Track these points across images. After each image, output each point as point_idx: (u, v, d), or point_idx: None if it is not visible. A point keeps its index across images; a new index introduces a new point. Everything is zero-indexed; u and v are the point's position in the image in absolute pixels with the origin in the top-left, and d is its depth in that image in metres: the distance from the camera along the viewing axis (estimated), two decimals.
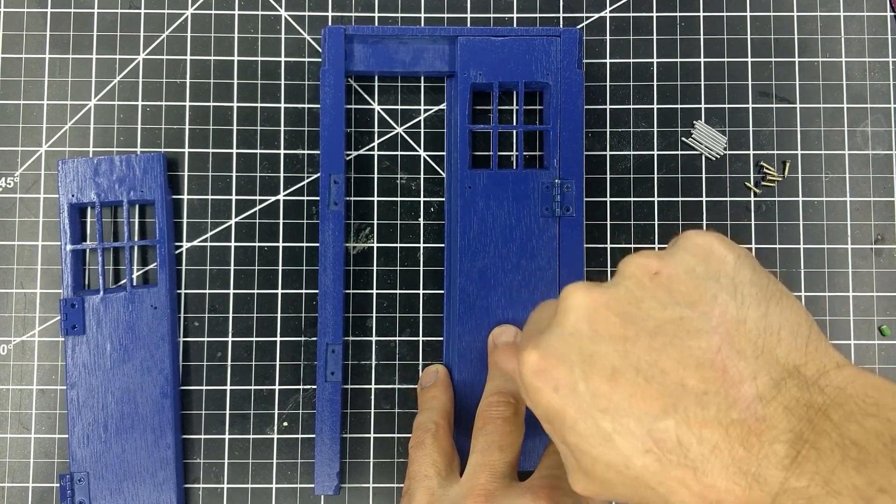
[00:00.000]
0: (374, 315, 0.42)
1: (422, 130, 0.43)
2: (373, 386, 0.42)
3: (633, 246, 0.42)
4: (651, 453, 0.22)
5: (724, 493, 0.21)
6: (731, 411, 0.21)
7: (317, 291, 0.41)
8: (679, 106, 0.43)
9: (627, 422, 0.22)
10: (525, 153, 0.43)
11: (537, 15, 0.44)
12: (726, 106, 0.43)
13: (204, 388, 0.42)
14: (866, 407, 0.20)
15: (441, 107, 0.43)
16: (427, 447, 0.35)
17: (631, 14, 0.44)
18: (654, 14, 0.43)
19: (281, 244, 0.42)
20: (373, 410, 0.42)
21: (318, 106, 0.42)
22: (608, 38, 0.43)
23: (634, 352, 0.22)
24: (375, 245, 0.43)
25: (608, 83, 0.43)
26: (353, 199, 0.43)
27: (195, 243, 0.42)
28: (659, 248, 0.42)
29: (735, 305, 0.22)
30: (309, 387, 0.42)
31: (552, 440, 0.27)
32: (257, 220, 0.42)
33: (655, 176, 0.43)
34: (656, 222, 0.43)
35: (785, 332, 0.22)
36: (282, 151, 0.43)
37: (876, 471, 0.19)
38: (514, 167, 0.42)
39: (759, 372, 0.21)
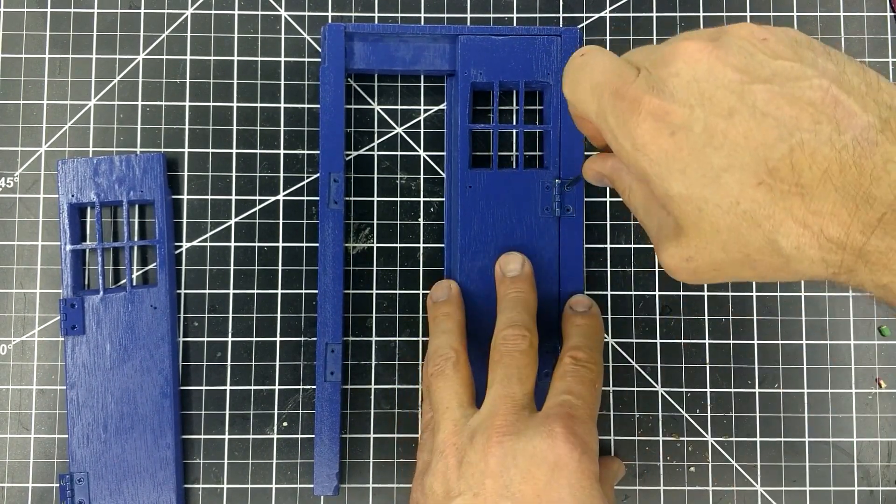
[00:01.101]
0: (373, 315, 0.42)
1: (422, 130, 0.43)
2: (373, 386, 0.42)
3: (632, 246, 0.42)
4: (763, 185, 0.22)
5: (830, 216, 0.21)
6: (845, 136, 0.21)
7: (316, 291, 0.41)
8: None
9: (742, 155, 0.23)
10: (525, 153, 0.43)
11: (537, 15, 0.44)
12: None
13: (204, 388, 0.42)
14: None
15: (441, 107, 0.43)
16: (448, 377, 0.35)
17: (631, 14, 0.44)
18: (654, 14, 0.43)
19: (281, 244, 0.42)
20: (373, 411, 0.42)
21: (318, 106, 0.42)
22: (608, 38, 0.43)
23: (751, 92, 0.23)
24: (375, 245, 0.43)
25: None
26: (352, 198, 0.43)
27: (195, 243, 0.42)
28: None
29: (833, 64, 0.23)
30: (309, 387, 0.42)
31: (641, 220, 0.29)
32: (257, 220, 0.42)
33: None
34: None
35: (884, 83, 0.23)
36: (282, 151, 0.43)
37: None
38: (515, 167, 0.42)
39: (868, 107, 0.22)
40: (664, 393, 0.42)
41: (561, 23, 0.43)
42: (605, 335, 0.42)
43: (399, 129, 0.43)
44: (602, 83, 0.26)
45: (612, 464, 0.40)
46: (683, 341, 0.42)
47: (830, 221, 0.22)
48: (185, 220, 0.42)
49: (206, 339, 0.42)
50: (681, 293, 0.42)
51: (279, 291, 0.42)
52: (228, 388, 0.42)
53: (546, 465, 0.30)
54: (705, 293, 0.42)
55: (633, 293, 0.42)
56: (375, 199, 0.43)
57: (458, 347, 0.37)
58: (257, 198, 0.43)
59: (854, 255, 0.22)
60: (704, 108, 0.23)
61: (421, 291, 0.42)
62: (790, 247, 0.22)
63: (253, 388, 0.42)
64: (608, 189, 0.43)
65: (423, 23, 0.43)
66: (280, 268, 0.42)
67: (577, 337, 0.37)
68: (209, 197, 0.42)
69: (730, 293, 0.42)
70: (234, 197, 0.42)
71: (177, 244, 0.42)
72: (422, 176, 0.43)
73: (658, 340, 0.42)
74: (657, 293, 0.42)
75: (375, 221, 0.43)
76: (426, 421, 0.37)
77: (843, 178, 0.21)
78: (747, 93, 0.23)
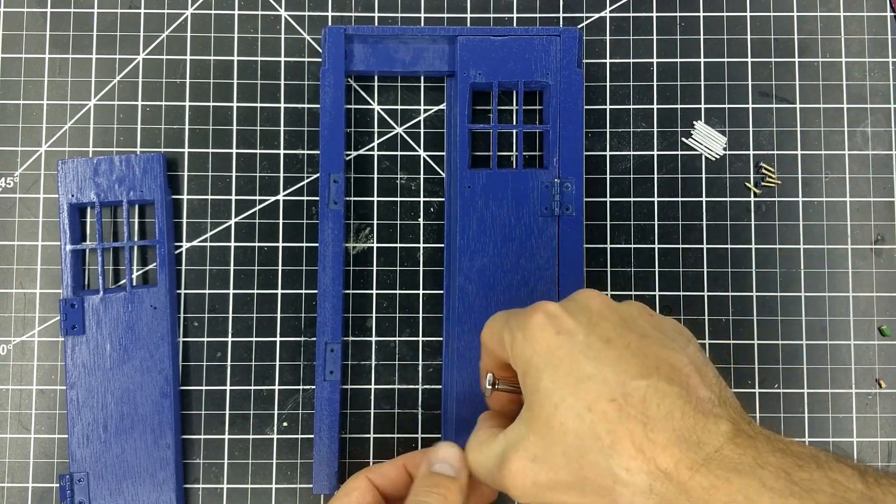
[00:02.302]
0: (373, 315, 0.42)
1: (422, 130, 0.43)
2: (372, 386, 0.42)
3: (632, 246, 0.42)
4: (615, 402, 0.26)
5: (663, 448, 0.25)
6: (692, 394, 0.26)
7: (316, 291, 0.41)
8: (679, 106, 0.43)
9: (607, 372, 0.27)
10: (525, 153, 0.43)
11: (537, 15, 0.44)
12: (726, 106, 0.43)
13: (204, 388, 0.42)
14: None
15: (441, 107, 0.43)
16: None
17: (631, 14, 0.44)
18: (654, 14, 0.43)
19: (281, 244, 0.42)
20: (372, 411, 0.42)
21: (318, 106, 0.42)
22: (608, 38, 0.43)
23: (627, 336, 0.28)
24: (375, 245, 0.43)
25: (608, 83, 0.43)
26: (352, 199, 0.43)
27: (195, 243, 0.42)
28: (659, 248, 0.42)
29: (698, 355, 0.29)
30: (309, 387, 0.42)
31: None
32: (257, 220, 0.42)
33: (655, 176, 0.43)
34: (656, 222, 0.43)
35: (726, 390, 0.28)
36: (282, 151, 0.43)
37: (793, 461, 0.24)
38: (514, 167, 0.42)
39: (716, 388, 0.27)
40: None
41: (561, 23, 0.43)
42: None
43: (399, 129, 0.43)
44: (511, 314, 0.32)
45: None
46: None
47: (663, 453, 0.25)
48: (185, 220, 0.42)
49: (206, 339, 0.42)
50: (681, 293, 0.42)
51: (279, 291, 0.42)
52: (228, 388, 0.42)
53: None
54: (705, 293, 0.42)
55: (633, 293, 0.42)
56: (375, 199, 0.43)
57: None
58: (257, 198, 0.43)
59: (678, 489, 0.24)
60: (589, 327, 0.28)
61: (421, 291, 0.42)
62: (621, 468, 0.25)
63: (253, 388, 0.42)
64: (608, 189, 0.43)
65: (422, 23, 0.43)
66: (280, 268, 0.42)
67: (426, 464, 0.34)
68: (209, 197, 0.42)
69: (730, 293, 0.42)
70: (234, 197, 0.43)
71: (177, 244, 0.42)
72: (422, 176, 0.43)
73: None
74: (657, 293, 0.42)
75: (375, 221, 0.43)
76: None
77: (683, 422, 0.25)
78: (623, 335, 0.28)
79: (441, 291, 0.42)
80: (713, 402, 0.26)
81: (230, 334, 0.42)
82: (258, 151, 0.43)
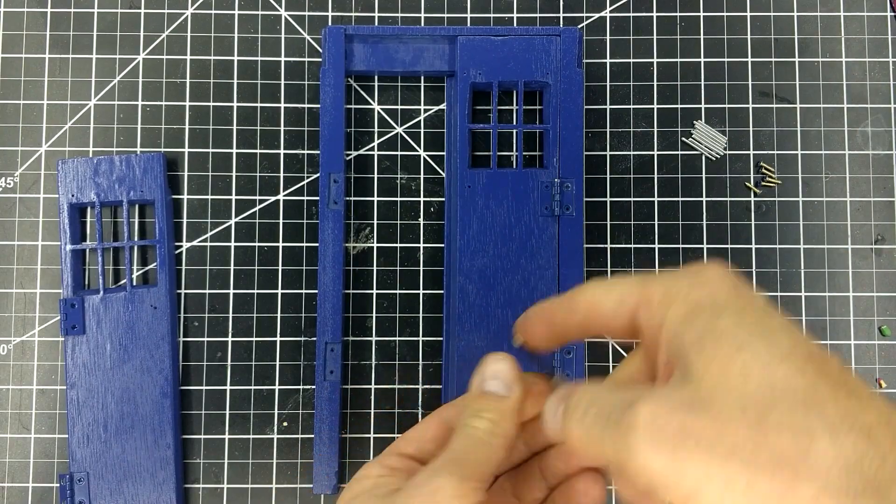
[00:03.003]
0: (374, 315, 0.42)
1: (422, 130, 0.43)
2: (373, 386, 0.42)
3: (632, 246, 0.42)
4: (813, 360, 0.20)
5: (876, 424, 0.19)
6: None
7: (316, 291, 0.41)
8: (679, 106, 0.43)
9: (797, 333, 0.21)
10: (525, 153, 0.43)
11: (537, 15, 0.44)
12: (726, 106, 0.43)
13: (204, 388, 0.42)
14: None
15: (441, 107, 0.43)
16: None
17: (631, 14, 0.44)
18: (654, 14, 0.43)
19: (281, 244, 0.42)
20: (373, 410, 0.42)
21: (318, 106, 0.42)
22: (608, 38, 0.43)
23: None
24: (375, 245, 0.43)
25: (608, 83, 0.43)
26: (353, 198, 0.43)
27: (195, 243, 0.42)
28: (660, 248, 0.41)
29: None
30: (309, 387, 0.42)
31: None
32: (257, 220, 0.42)
33: (655, 176, 0.43)
34: (656, 222, 0.43)
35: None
36: (282, 151, 0.43)
37: None
38: (514, 166, 0.42)
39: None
40: None
41: (561, 23, 0.43)
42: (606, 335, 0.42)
43: (399, 129, 0.43)
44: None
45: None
46: None
47: (878, 426, 0.19)
48: (185, 220, 0.42)
49: (206, 339, 0.42)
50: None
51: (279, 291, 0.42)
52: (228, 388, 0.42)
53: None
54: None
55: None
56: (375, 198, 0.43)
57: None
58: (257, 198, 0.43)
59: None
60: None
61: (421, 291, 0.42)
62: (825, 427, 0.19)
63: (253, 388, 0.42)
64: (608, 189, 0.43)
65: (422, 23, 0.43)
66: (280, 268, 0.42)
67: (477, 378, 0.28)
68: (209, 197, 0.42)
69: None
70: (234, 197, 0.43)
71: (177, 244, 0.42)
72: (422, 176, 0.43)
73: None
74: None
75: (375, 221, 0.43)
76: None
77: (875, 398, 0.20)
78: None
79: (441, 291, 0.42)
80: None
81: (230, 334, 0.42)
82: (258, 151, 0.43)
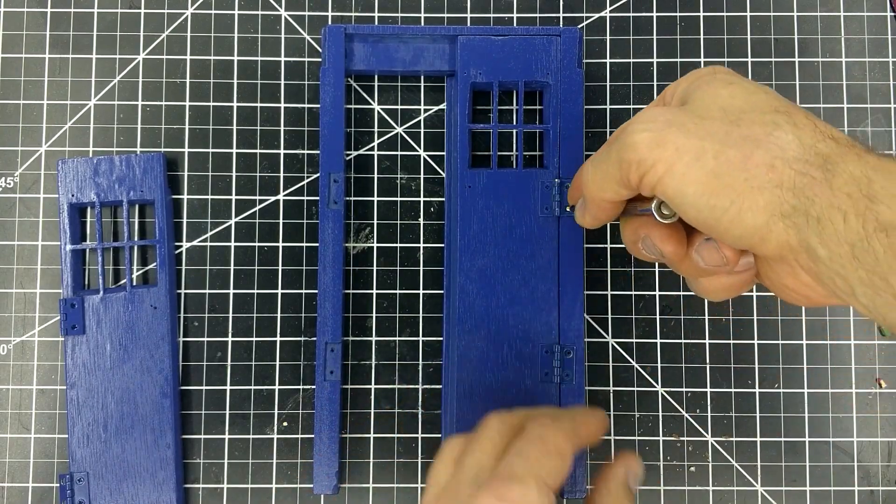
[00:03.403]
0: (374, 315, 0.42)
1: (422, 130, 0.43)
2: (373, 386, 0.42)
3: None
4: (781, 111, 0.24)
5: (830, 133, 0.23)
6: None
7: (316, 291, 0.41)
8: None
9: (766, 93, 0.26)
10: (525, 153, 0.43)
11: (537, 15, 0.44)
12: None
13: (204, 388, 0.42)
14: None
15: (441, 106, 0.43)
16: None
17: (631, 14, 0.44)
18: (654, 14, 0.43)
19: (281, 244, 0.42)
20: (373, 410, 0.42)
21: (318, 106, 0.42)
22: (608, 38, 0.43)
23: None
24: (375, 245, 0.43)
25: (608, 83, 0.43)
26: (353, 198, 0.43)
27: (195, 243, 0.42)
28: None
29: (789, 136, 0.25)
30: (309, 387, 0.42)
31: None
32: (257, 220, 0.42)
33: None
34: None
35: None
36: (282, 151, 0.43)
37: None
38: (514, 167, 0.42)
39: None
40: (664, 393, 0.42)
41: (561, 23, 0.43)
42: (606, 335, 0.42)
43: (399, 129, 0.43)
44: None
45: (615, 471, 0.31)
46: (683, 341, 0.42)
47: (830, 133, 0.24)
48: (185, 220, 0.42)
49: (206, 339, 0.42)
50: (681, 293, 0.42)
51: (279, 291, 0.42)
52: (228, 388, 0.42)
53: None
54: None
55: (633, 293, 0.42)
56: (375, 198, 0.43)
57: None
58: (257, 198, 0.43)
59: (844, 152, 0.23)
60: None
61: (421, 291, 0.42)
62: (786, 120, 0.24)
63: (253, 388, 0.42)
64: None
65: (422, 23, 0.43)
66: (280, 268, 0.42)
67: (563, 411, 0.33)
68: (209, 197, 0.42)
69: None
70: (234, 197, 0.42)
71: (177, 244, 0.42)
72: (422, 176, 0.43)
73: (658, 340, 0.42)
74: (657, 293, 0.42)
75: (375, 221, 0.43)
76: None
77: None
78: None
79: (441, 291, 0.42)
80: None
81: (230, 334, 0.42)
82: (258, 151, 0.43)
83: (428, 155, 0.43)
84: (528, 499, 0.27)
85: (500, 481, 0.27)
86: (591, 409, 0.33)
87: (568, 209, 0.39)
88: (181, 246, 0.42)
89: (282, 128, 0.43)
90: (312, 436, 0.41)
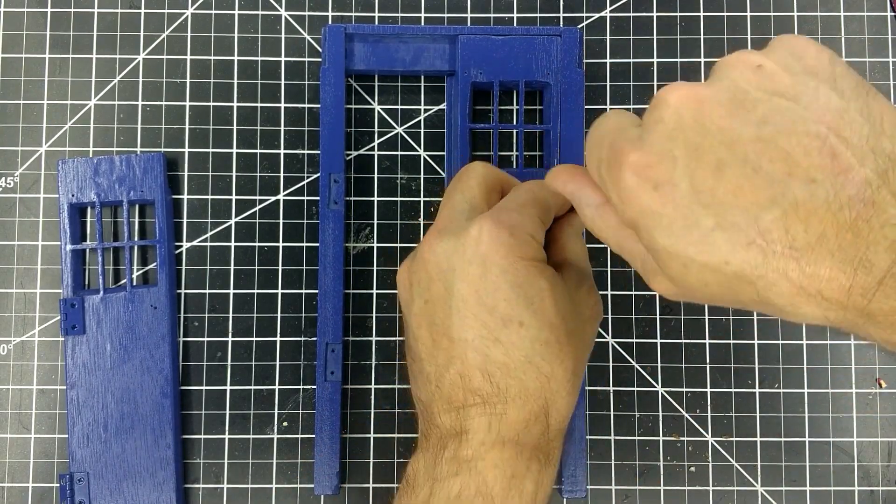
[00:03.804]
0: (374, 315, 0.42)
1: (422, 130, 0.43)
2: (373, 386, 0.42)
3: None
4: (754, 245, 0.21)
5: (827, 281, 0.20)
6: (840, 197, 0.20)
7: (317, 291, 0.41)
8: None
9: (732, 214, 0.21)
10: (525, 153, 0.43)
11: (537, 14, 0.44)
12: None
13: (204, 388, 0.42)
14: None
15: (441, 106, 0.43)
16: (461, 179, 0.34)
17: (631, 14, 0.44)
18: (654, 14, 0.43)
19: (281, 244, 0.42)
20: (373, 410, 0.42)
21: (318, 106, 0.42)
22: (608, 38, 0.43)
23: (741, 142, 0.22)
24: (375, 245, 0.43)
25: (608, 83, 0.43)
26: (353, 198, 0.43)
27: (195, 243, 0.42)
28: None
29: (836, 97, 0.22)
30: (309, 387, 0.42)
31: (631, 246, 0.27)
32: (257, 220, 0.42)
33: None
34: None
35: (887, 124, 0.21)
36: (282, 151, 0.43)
37: None
38: (515, 167, 0.42)
39: (866, 159, 0.21)
40: (664, 393, 0.42)
41: (561, 23, 0.43)
42: (606, 335, 0.42)
43: (399, 129, 0.43)
44: (603, 135, 0.25)
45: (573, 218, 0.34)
46: (683, 341, 0.42)
47: (828, 286, 0.21)
48: (185, 220, 0.42)
49: (206, 339, 0.42)
50: None
51: (279, 291, 0.42)
52: (228, 388, 0.42)
53: (477, 258, 0.29)
54: None
55: (633, 293, 0.42)
56: (375, 198, 0.43)
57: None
58: (257, 198, 0.43)
59: (857, 314, 0.21)
60: (690, 160, 0.22)
61: None
62: (786, 304, 0.21)
63: (253, 388, 0.42)
64: None
65: (423, 23, 0.43)
66: (280, 268, 0.42)
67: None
68: (209, 197, 0.42)
69: None
70: (234, 197, 0.42)
71: (177, 244, 0.42)
72: (422, 176, 0.43)
73: (658, 340, 0.42)
74: (657, 293, 0.42)
75: (375, 221, 0.43)
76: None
77: (839, 242, 0.20)
78: (737, 144, 0.22)
79: None
80: (869, 184, 0.20)
81: (230, 334, 0.42)
82: (258, 151, 0.43)
83: (428, 155, 0.43)
84: (522, 222, 0.30)
85: (492, 212, 0.30)
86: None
87: None
88: (181, 246, 0.42)
89: (282, 128, 0.43)
90: (312, 436, 0.41)
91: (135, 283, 0.41)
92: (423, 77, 0.43)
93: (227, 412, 0.42)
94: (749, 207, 0.21)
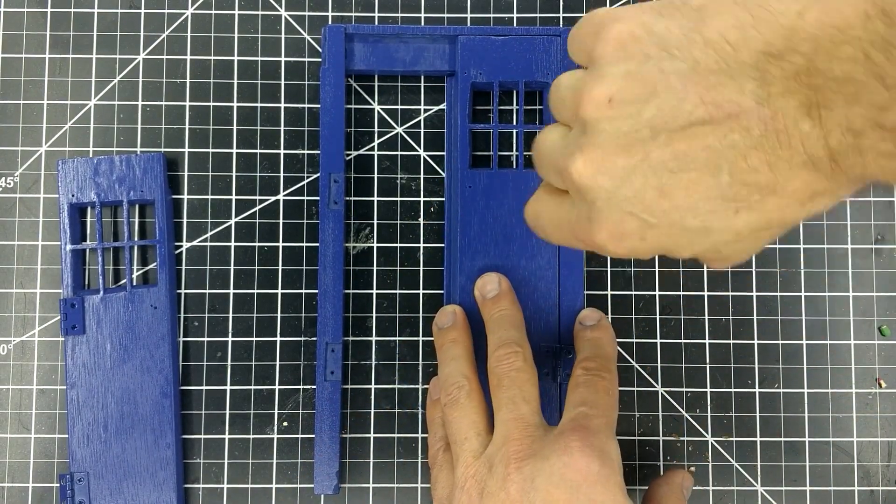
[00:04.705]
0: (374, 315, 0.42)
1: (422, 130, 0.43)
2: (373, 386, 0.42)
3: None
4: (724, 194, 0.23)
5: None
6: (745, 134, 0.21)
7: (316, 291, 0.41)
8: None
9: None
10: (525, 153, 0.43)
11: (537, 15, 0.44)
12: None
13: (204, 388, 0.42)
14: (833, 37, 0.20)
15: (441, 106, 0.43)
16: (463, 406, 0.34)
17: None
18: None
19: (281, 244, 0.42)
20: (373, 410, 0.42)
21: (318, 106, 0.42)
22: None
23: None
24: (375, 245, 0.43)
25: None
26: (353, 198, 0.43)
27: (195, 243, 0.42)
28: None
29: (668, 59, 0.23)
30: (309, 387, 0.42)
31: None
32: (257, 220, 0.42)
33: None
34: None
35: (731, 36, 0.22)
36: (282, 151, 0.43)
37: (869, 95, 0.19)
38: (515, 167, 0.42)
39: (743, 82, 0.21)
40: (664, 393, 0.42)
41: (561, 23, 0.43)
42: None
43: (399, 129, 0.43)
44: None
45: (673, 477, 0.38)
46: (683, 341, 0.42)
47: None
48: (185, 220, 0.42)
49: (206, 339, 0.42)
50: (681, 293, 0.42)
51: (279, 291, 0.42)
52: (228, 388, 0.42)
53: (565, 484, 0.30)
54: (705, 293, 0.42)
55: (633, 293, 0.42)
56: (375, 198, 0.43)
57: (470, 374, 0.36)
58: (257, 198, 0.43)
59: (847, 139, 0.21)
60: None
61: (421, 291, 0.42)
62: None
63: (253, 387, 0.42)
64: None
65: (423, 23, 0.43)
66: (280, 268, 0.42)
67: (588, 349, 0.37)
68: (209, 197, 0.42)
69: (730, 293, 0.42)
70: (234, 197, 0.43)
71: (177, 244, 0.42)
72: (422, 176, 0.43)
73: (658, 340, 0.42)
74: (657, 293, 0.42)
75: (375, 221, 0.43)
76: (434, 454, 0.37)
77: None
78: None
79: (441, 291, 0.42)
80: (758, 103, 0.21)
81: (230, 334, 0.42)
82: (258, 151, 0.43)
83: (428, 155, 0.43)
84: (609, 448, 0.33)
85: (580, 431, 0.31)
86: (600, 326, 0.39)
87: None
88: (181, 246, 0.42)
89: (282, 128, 0.43)
90: (312, 436, 0.41)
91: (135, 283, 0.41)
92: (423, 77, 0.43)
93: (227, 412, 0.42)
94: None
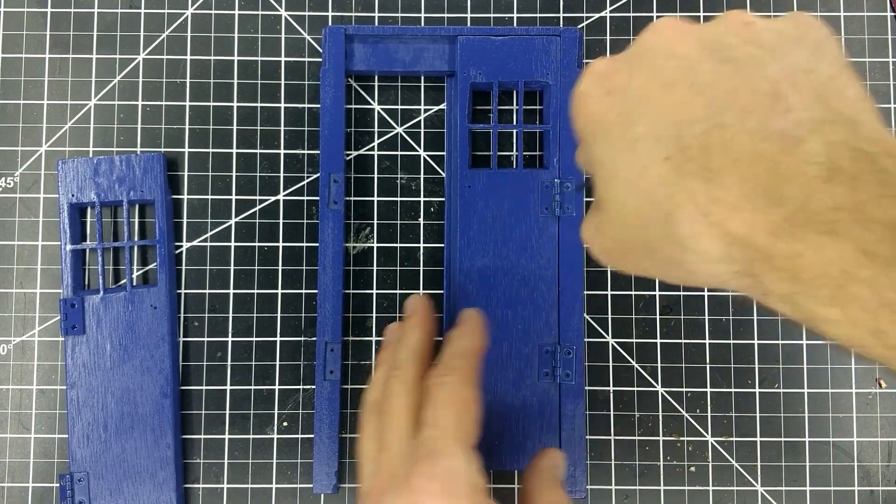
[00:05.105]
0: (374, 315, 0.42)
1: (422, 130, 0.43)
2: None
3: None
4: (670, 160, 0.21)
5: (732, 210, 0.19)
6: (768, 128, 0.20)
7: (316, 291, 0.41)
8: None
9: (660, 126, 0.21)
10: (525, 153, 0.43)
11: (537, 15, 0.44)
12: None
13: (204, 388, 0.42)
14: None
15: (441, 107, 0.43)
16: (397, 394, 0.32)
17: (631, 14, 0.44)
18: (654, 14, 0.43)
19: (281, 244, 0.42)
20: None
21: (318, 106, 0.42)
22: (608, 38, 0.43)
23: (698, 70, 0.22)
24: (375, 245, 0.43)
25: None
26: (353, 198, 0.43)
27: (195, 243, 0.42)
28: None
29: (807, 59, 0.21)
30: (309, 387, 0.42)
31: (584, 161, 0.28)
32: (257, 220, 0.42)
33: None
34: None
35: (851, 94, 0.21)
36: (282, 151, 0.43)
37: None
38: (514, 167, 0.42)
39: (811, 107, 0.20)
40: (664, 393, 0.42)
41: (561, 23, 0.43)
42: (606, 335, 0.42)
43: (399, 129, 0.43)
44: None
45: (540, 463, 0.35)
46: (683, 341, 0.42)
47: (733, 215, 0.19)
48: (185, 220, 0.42)
49: (206, 339, 0.42)
50: (681, 293, 0.42)
51: (279, 291, 0.42)
52: (228, 388, 0.42)
53: None
54: (705, 293, 0.42)
55: (633, 293, 0.42)
56: (375, 198, 0.43)
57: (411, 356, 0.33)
58: (257, 198, 0.43)
59: (759, 255, 0.19)
60: (650, 74, 0.23)
61: (421, 291, 0.42)
62: (687, 234, 0.20)
63: (253, 387, 0.42)
64: None
65: (423, 23, 0.43)
66: (280, 268, 0.42)
67: (445, 349, 0.34)
68: (209, 197, 0.42)
69: (730, 293, 0.42)
70: (234, 197, 0.43)
71: (177, 244, 0.42)
72: (422, 176, 0.43)
73: (658, 340, 0.42)
74: (657, 293, 0.42)
75: (375, 221, 0.43)
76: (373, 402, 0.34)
77: (752, 169, 0.19)
78: (693, 69, 0.22)
79: (441, 291, 0.42)
80: (804, 126, 0.19)
81: (230, 334, 0.42)
82: (258, 151, 0.43)
83: (428, 155, 0.43)
84: (456, 466, 0.28)
85: (425, 460, 0.28)
86: (462, 321, 0.35)
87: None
88: (181, 246, 0.42)
89: (282, 128, 0.43)
90: (312, 436, 0.41)
91: (135, 283, 0.41)
92: (422, 77, 0.43)
93: (227, 412, 0.42)
94: (679, 123, 0.21)
